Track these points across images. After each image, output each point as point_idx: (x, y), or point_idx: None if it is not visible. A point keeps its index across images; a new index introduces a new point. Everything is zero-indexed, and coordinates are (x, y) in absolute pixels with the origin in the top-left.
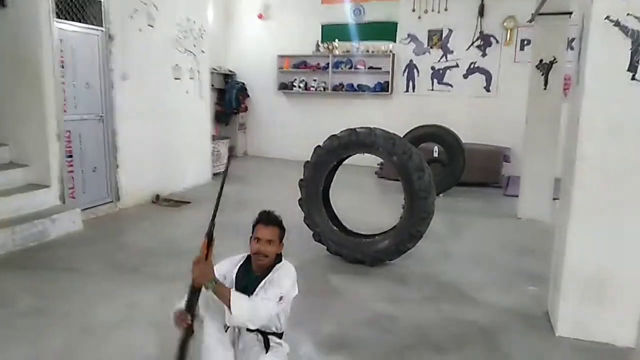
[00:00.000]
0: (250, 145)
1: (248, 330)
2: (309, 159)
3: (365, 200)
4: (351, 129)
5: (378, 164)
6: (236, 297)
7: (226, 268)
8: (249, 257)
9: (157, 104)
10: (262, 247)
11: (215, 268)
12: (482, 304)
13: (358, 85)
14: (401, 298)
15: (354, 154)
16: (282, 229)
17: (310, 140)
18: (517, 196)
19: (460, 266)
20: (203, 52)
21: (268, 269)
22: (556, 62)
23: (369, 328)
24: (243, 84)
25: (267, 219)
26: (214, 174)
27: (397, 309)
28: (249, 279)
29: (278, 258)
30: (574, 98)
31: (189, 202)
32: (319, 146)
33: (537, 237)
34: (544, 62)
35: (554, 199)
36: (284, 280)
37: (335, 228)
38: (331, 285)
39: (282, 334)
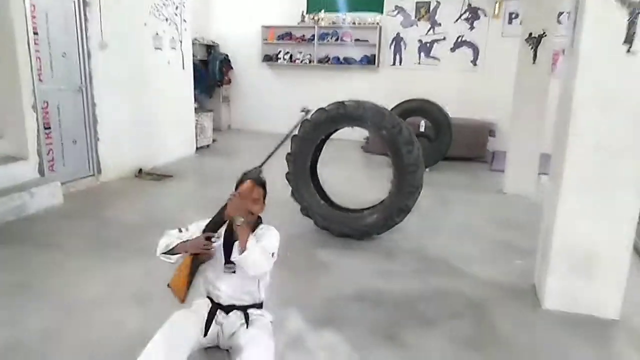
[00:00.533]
0: (234, 118)
1: (227, 312)
2: (296, 133)
3: (352, 175)
4: (339, 102)
5: (364, 138)
6: (253, 240)
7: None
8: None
9: (138, 74)
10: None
11: (201, 224)
12: (470, 277)
13: (344, 58)
14: (389, 272)
15: (343, 128)
16: (266, 190)
17: (295, 113)
18: (503, 171)
19: (448, 240)
20: (185, 21)
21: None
22: (545, 35)
23: (357, 302)
24: (226, 55)
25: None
26: (198, 148)
27: (384, 282)
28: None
29: (259, 220)
30: (568, 71)
31: (171, 176)
32: (306, 120)
33: (523, 212)
34: (533, 35)
35: (539, 174)
36: (273, 238)
37: (322, 202)
38: (319, 259)
39: (261, 304)
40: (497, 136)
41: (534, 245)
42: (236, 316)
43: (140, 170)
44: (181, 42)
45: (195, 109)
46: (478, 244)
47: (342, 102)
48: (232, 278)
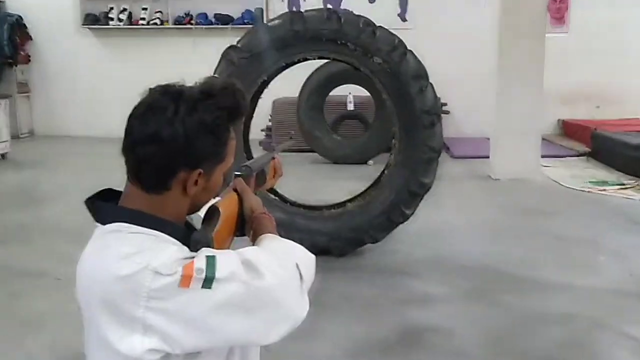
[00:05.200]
0: (40, 118)
1: None
2: (215, 74)
3: None
4: (293, 12)
5: (263, 130)
6: None
7: None
8: None
9: None
10: None
11: None
12: (553, 287)
13: (216, 16)
14: (433, 299)
15: (300, 61)
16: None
17: None
18: (467, 158)
19: (477, 241)
20: None
21: None
22: None
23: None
24: (19, 17)
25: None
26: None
27: (444, 318)
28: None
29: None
30: None
31: None
32: (233, 46)
33: (540, 196)
34: None
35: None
36: None
37: (272, 197)
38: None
39: None
40: (446, 117)
41: (592, 233)
42: None
43: None
44: None
45: None
46: (521, 240)
47: (299, 12)
48: None
